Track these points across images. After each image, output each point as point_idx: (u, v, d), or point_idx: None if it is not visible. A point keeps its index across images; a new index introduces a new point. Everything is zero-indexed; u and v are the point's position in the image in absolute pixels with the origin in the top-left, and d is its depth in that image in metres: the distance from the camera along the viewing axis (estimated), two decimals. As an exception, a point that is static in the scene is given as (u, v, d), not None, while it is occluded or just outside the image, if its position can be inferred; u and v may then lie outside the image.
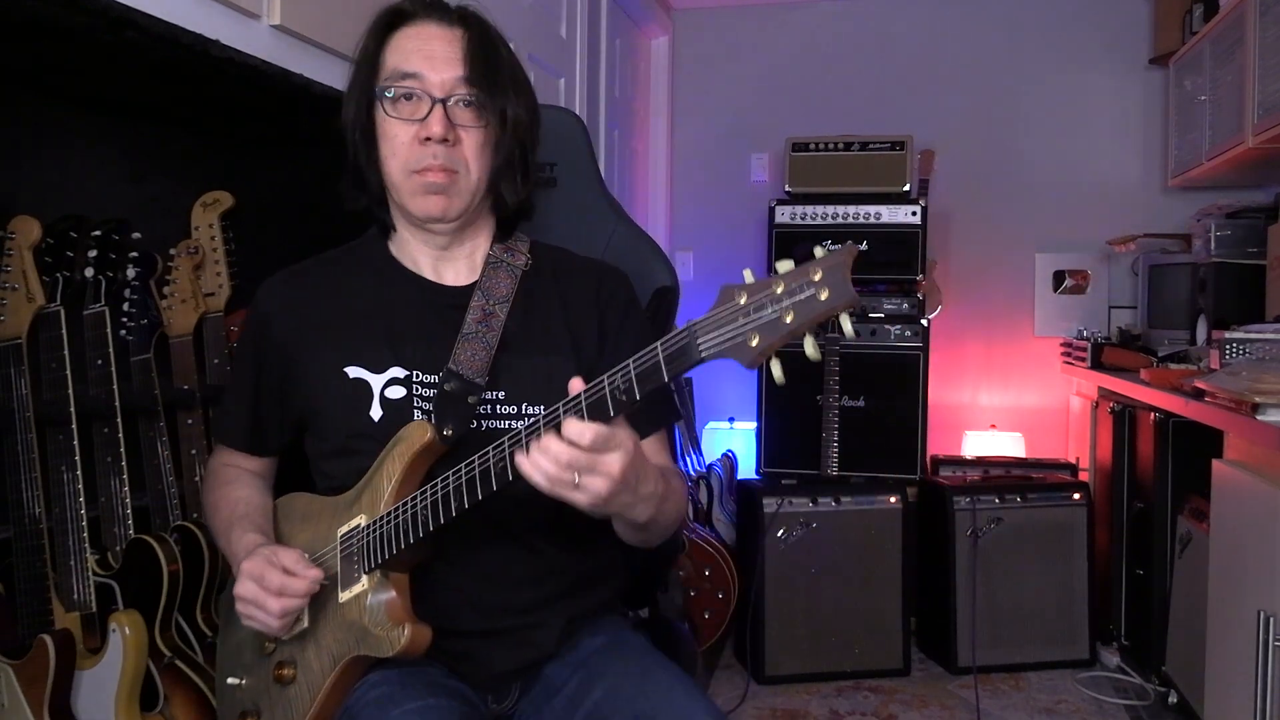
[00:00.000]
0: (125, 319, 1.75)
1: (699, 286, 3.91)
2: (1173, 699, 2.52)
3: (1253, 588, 1.84)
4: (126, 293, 1.75)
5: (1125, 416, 2.91)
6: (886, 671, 2.91)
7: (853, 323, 0.86)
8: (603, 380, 0.93)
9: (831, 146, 3.29)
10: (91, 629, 1.56)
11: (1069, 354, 3.39)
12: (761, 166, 3.91)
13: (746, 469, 3.39)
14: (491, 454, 1.01)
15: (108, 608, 1.58)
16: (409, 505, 1.07)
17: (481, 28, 1.21)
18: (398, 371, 1.18)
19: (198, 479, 1.84)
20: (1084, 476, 3.18)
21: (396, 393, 1.18)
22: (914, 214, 3.17)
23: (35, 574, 1.54)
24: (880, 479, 3.02)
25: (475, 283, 1.23)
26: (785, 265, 0.86)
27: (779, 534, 2.89)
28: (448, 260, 1.26)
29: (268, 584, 1.08)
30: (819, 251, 0.85)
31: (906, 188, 3.22)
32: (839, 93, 3.82)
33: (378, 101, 1.18)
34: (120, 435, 1.66)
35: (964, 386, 3.71)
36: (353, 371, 1.19)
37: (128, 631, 1.53)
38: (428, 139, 1.15)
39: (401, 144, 1.17)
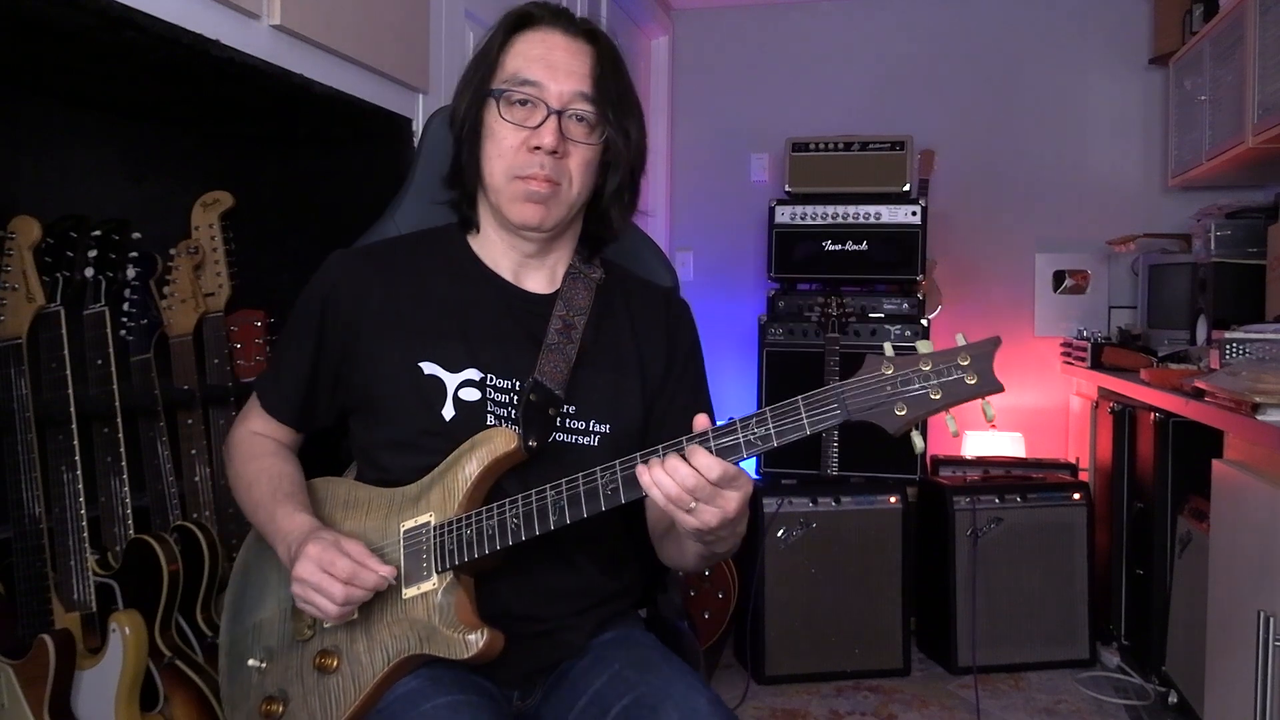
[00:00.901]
0: (125, 319, 1.76)
1: (699, 286, 3.91)
2: (1173, 699, 2.52)
3: (1253, 588, 1.84)
4: (126, 293, 1.75)
5: (1125, 416, 2.91)
6: (886, 671, 2.91)
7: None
8: (735, 426, 0.98)
9: (831, 146, 3.29)
10: (91, 629, 1.56)
11: (1069, 354, 3.39)
12: (761, 166, 3.91)
13: (746, 469, 3.39)
14: (600, 475, 1.02)
15: (108, 608, 1.58)
16: (496, 513, 1.07)
17: (609, 46, 1.20)
18: (473, 373, 1.17)
19: (198, 479, 1.84)
20: (1084, 476, 3.18)
21: (471, 395, 1.17)
22: (914, 214, 3.17)
23: (35, 574, 1.54)
24: (880, 479, 3.02)
25: (557, 292, 1.23)
26: (925, 346, 0.93)
27: (779, 534, 2.89)
28: (530, 268, 1.25)
29: (336, 570, 1.06)
30: (960, 338, 0.94)
31: (906, 188, 3.22)
32: (839, 93, 3.82)
33: (492, 100, 1.17)
34: (120, 435, 1.66)
35: (964, 386, 3.71)
36: (428, 367, 1.17)
37: (128, 631, 1.53)
38: (537, 148, 1.14)
39: (509, 147, 1.15)
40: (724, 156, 3.96)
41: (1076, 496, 2.98)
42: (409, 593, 1.11)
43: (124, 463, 1.67)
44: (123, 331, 1.75)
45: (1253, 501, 1.88)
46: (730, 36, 3.94)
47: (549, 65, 1.15)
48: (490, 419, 1.16)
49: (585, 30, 1.19)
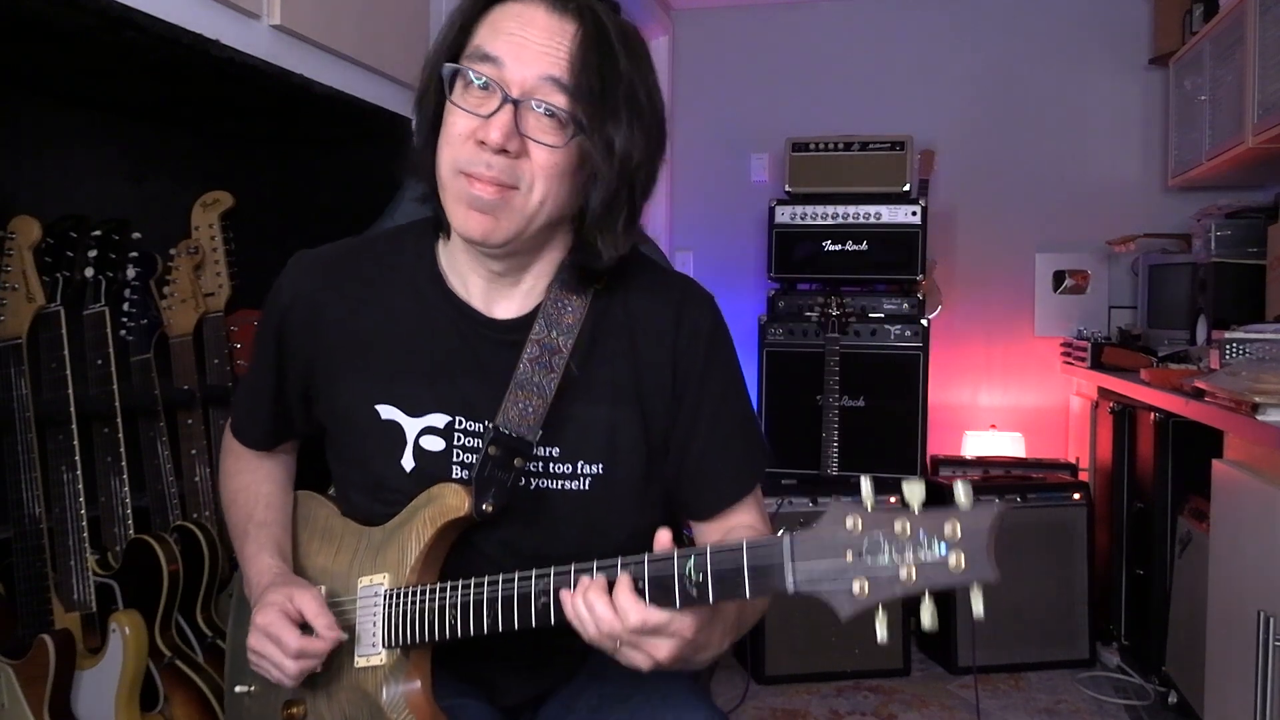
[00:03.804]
0: (125, 319, 1.76)
1: (699, 286, 3.90)
2: (1173, 699, 2.52)
3: (1253, 588, 1.84)
4: (126, 293, 1.76)
5: (1125, 416, 2.91)
6: (886, 671, 2.91)
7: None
8: (672, 560, 0.83)
9: (831, 146, 3.28)
10: (91, 629, 1.56)
11: (1069, 354, 3.39)
12: (761, 166, 3.91)
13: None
14: (534, 583, 0.91)
15: (108, 608, 1.58)
16: (438, 596, 0.98)
17: (599, 27, 0.95)
18: (437, 419, 1.04)
19: (198, 479, 1.84)
20: (1084, 476, 3.18)
21: (433, 444, 1.04)
22: (914, 214, 3.17)
23: (35, 574, 1.54)
24: (880, 479, 2.98)
25: (538, 307, 1.04)
26: (915, 491, 0.73)
27: (779, 534, 2.88)
28: (502, 287, 1.06)
29: (285, 646, 0.99)
30: (961, 496, 0.73)
31: (906, 188, 3.22)
32: (839, 93, 3.82)
33: (448, 81, 0.97)
34: (120, 435, 1.66)
35: (964, 386, 3.71)
36: (385, 411, 1.04)
37: (128, 631, 1.53)
38: (483, 143, 0.94)
39: (457, 135, 0.95)
40: (724, 156, 3.96)
41: (1076, 496, 2.98)
42: (360, 662, 1.04)
43: (124, 463, 1.67)
44: (123, 331, 1.75)
45: (1253, 501, 1.88)
46: (730, 36, 3.94)
47: (518, 43, 0.94)
48: (456, 470, 1.04)
49: (575, 6, 0.95)
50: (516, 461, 1.00)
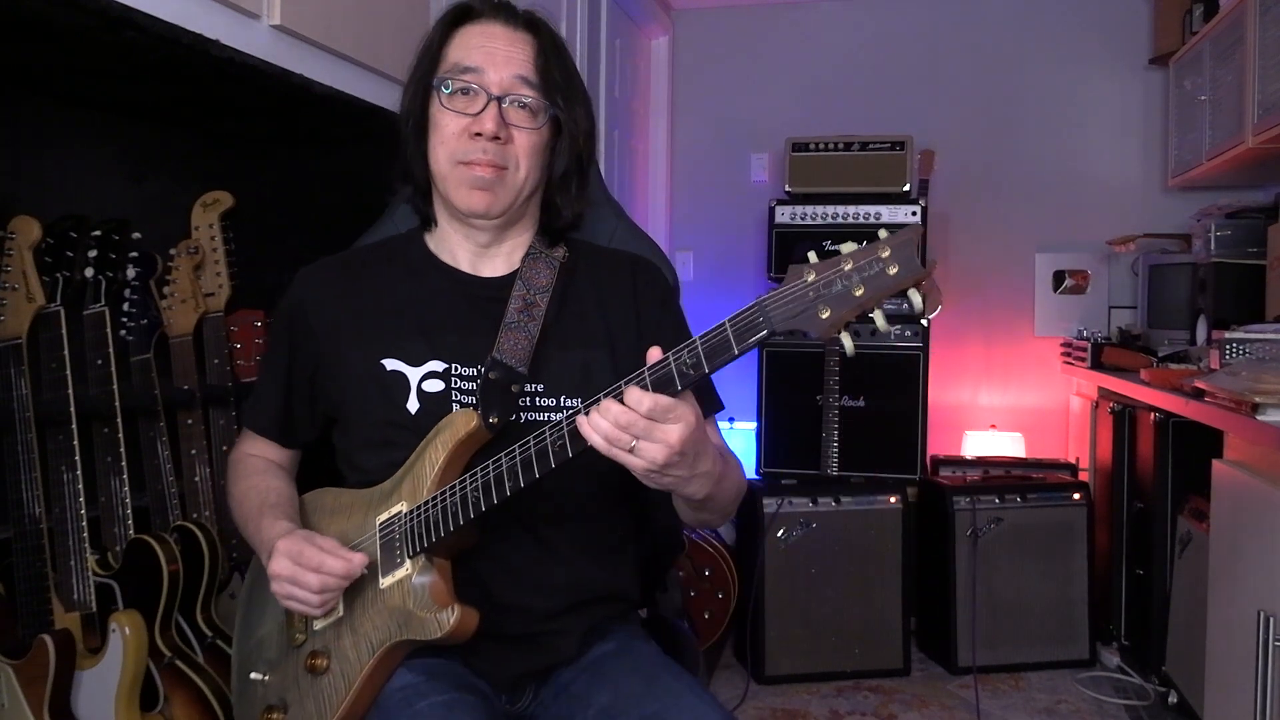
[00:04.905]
0: (125, 319, 1.75)
1: (699, 286, 3.91)
2: (1173, 699, 2.52)
3: (1253, 588, 1.84)
4: (126, 293, 1.75)
5: (1125, 416, 2.91)
6: (886, 671, 2.91)
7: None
8: (668, 357, 0.95)
9: (831, 146, 3.29)
10: (91, 629, 1.56)
11: (1069, 354, 3.39)
12: (761, 166, 3.91)
13: (746, 469, 3.39)
14: (548, 433, 1.01)
15: (108, 608, 1.58)
16: (457, 488, 1.08)
17: (551, 35, 1.22)
18: (436, 365, 1.18)
19: (198, 479, 1.84)
20: (1084, 476, 3.18)
21: (434, 386, 1.18)
22: (914, 214, 3.17)
23: (35, 574, 1.54)
24: (880, 479, 3.02)
25: (515, 272, 1.23)
26: (850, 246, 0.89)
27: (779, 534, 2.89)
28: (486, 257, 1.26)
29: (305, 560, 1.08)
30: (882, 231, 0.89)
31: (906, 188, 3.22)
32: (839, 93, 3.82)
33: (434, 92, 1.19)
34: (120, 435, 1.66)
35: (964, 386, 3.71)
36: (390, 364, 1.19)
37: (128, 631, 1.53)
38: (478, 134, 1.15)
39: (451, 134, 1.17)
40: (724, 156, 3.96)
41: (1076, 496, 2.98)
42: (385, 582, 1.12)
43: (124, 463, 1.67)
44: (123, 331, 1.75)
45: (1253, 501, 1.88)
46: (730, 36, 3.94)
47: (489, 54, 1.17)
48: (455, 408, 1.17)
49: (527, 21, 1.21)
50: (513, 387, 1.15)
